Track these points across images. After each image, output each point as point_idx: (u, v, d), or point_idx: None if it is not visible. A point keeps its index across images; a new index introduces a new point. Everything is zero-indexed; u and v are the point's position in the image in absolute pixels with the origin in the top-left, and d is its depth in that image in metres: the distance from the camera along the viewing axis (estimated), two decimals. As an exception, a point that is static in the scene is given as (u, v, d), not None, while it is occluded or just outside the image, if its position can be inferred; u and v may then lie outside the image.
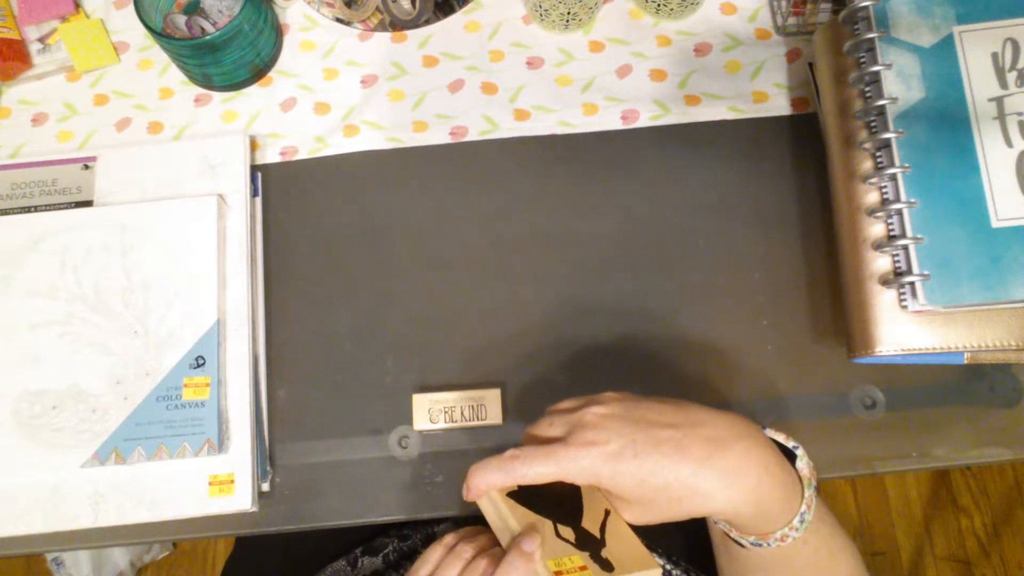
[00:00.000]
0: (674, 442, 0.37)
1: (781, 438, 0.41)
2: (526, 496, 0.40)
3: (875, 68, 0.48)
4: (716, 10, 0.61)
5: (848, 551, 0.43)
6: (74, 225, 0.54)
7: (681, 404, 0.40)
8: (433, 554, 0.42)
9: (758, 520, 0.39)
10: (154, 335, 0.52)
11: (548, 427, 0.40)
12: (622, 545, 0.39)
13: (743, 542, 0.40)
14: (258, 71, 0.60)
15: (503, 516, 0.38)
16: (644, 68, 0.60)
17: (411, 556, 0.54)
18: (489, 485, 0.39)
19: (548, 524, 0.39)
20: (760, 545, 0.40)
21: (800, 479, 0.40)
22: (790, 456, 0.41)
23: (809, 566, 0.41)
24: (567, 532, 0.39)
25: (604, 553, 0.38)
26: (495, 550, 0.39)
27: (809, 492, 0.40)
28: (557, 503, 0.40)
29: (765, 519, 0.39)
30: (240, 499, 0.50)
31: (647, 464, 0.37)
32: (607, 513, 0.40)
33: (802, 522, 0.39)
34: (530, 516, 0.39)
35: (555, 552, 0.37)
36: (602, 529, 0.40)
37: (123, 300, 0.53)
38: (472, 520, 0.45)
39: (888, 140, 0.47)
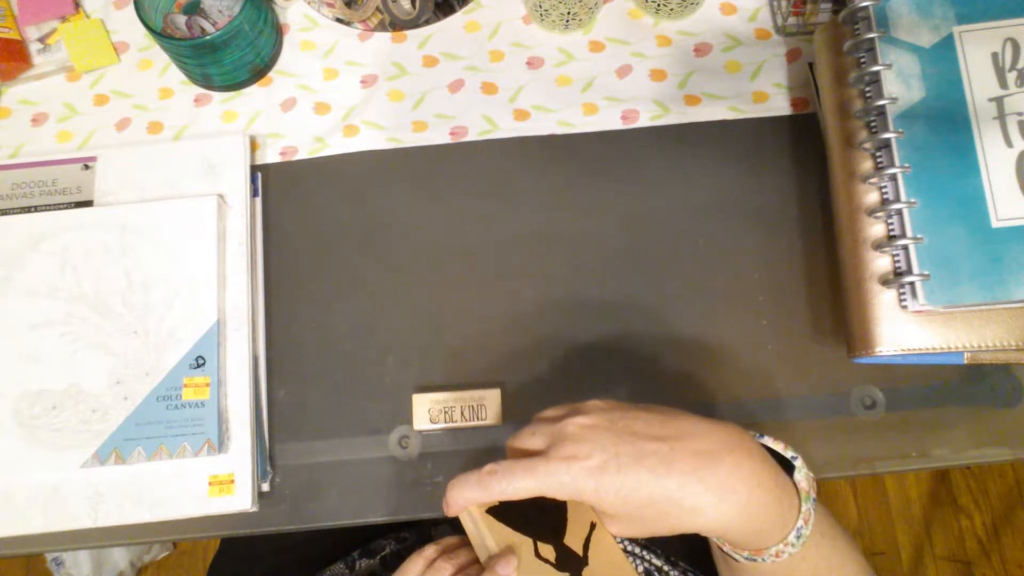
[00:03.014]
0: (660, 455, 0.35)
1: (779, 447, 0.40)
2: (508, 509, 0.38)
3: (875, 68, 0.48)
4: (716, 10, 0.61)
5: (852, 566, 0.41)
6: (74, 225, 0.54)
7: (669, 414, 0.38)
8: (413, 567, 0.41)
9: (751, 536, 0.37)
10: (154, 335, 0.52)
11: (530, 437, 0.38)
12: (605, 563, 0.38)
13: (736, 557, 0.39)
14: (258, 71, 0.60)
15: (482, 534, 0.37)
16: (644, 68, 0.60)
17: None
18: (468, 501, 0.37)
19: (528, 543, 0.37)
20: (755, 560, 0.38)
21: (798, 492, 0.38)
22: (789, 466, 0.39)
23: None
24: (547, 551, 0.37)
25: (586, 573, 0.37)
26: (474, 569, 0.38)
27: (807, 506, 0.38)
28: (540, 515, 0.39)
29: (759, 535, 0.37)
30: (240, 499, 0.50)
31: (631, 479, 0.35)
32: (592, 526, 0.39)
33: (799, 537, 0.37)
34: (509, 534, 0.37)
35: (533, 574, 0.36)
36: (586, 545, 0.38)
37: (123, 300, 0.53)
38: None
39: (888, 140, 0.47)
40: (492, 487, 0.36)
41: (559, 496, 0.36)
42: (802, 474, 0.39)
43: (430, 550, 0.41)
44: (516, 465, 0.37)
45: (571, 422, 0.37)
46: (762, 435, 0.40)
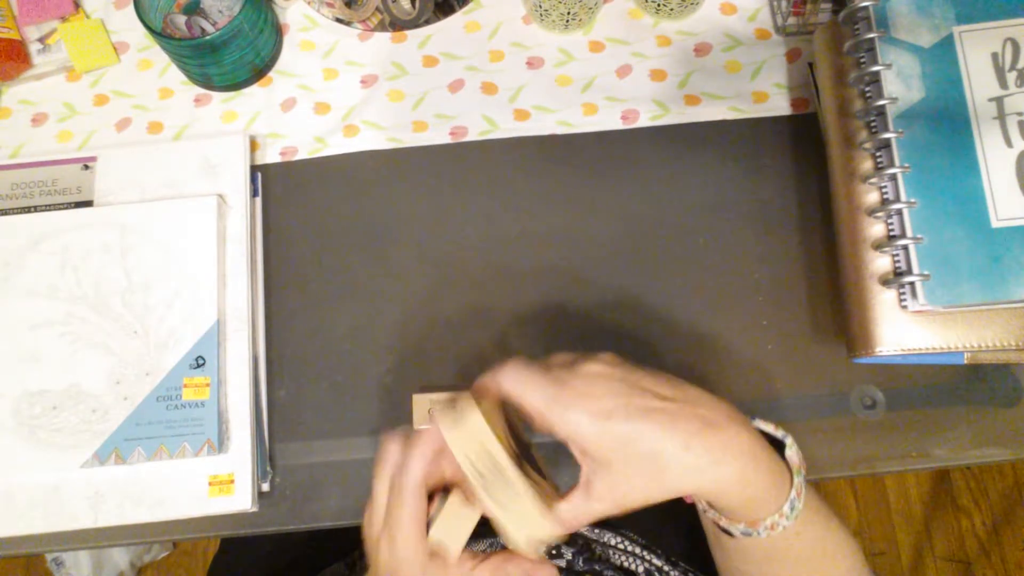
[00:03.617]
0: (668, 412, 0.36)
1: (770, 428, 0.41)
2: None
3: (875, 68, 0.48)
4: (716, 10, 0.61)
5: (846, 548, 0.42)
6: (74, 225, 0.54)
7: (676, 380, 0.39)
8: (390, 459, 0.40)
9: (746, 505, 0.38)
10: (154, 335, 0.52)
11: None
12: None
13: (732, 531, 0.40)
14: (258, 71, 0.60)
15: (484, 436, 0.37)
16: (644, 68, 0.60)
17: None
18: (482, 387, 0.38)
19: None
20: (750, 534, 0.39)
21: (789, 468, 0.39)
22: (780, 447, 0.40)
23: (804, 561, 0.41)
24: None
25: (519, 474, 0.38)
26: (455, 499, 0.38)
27: (799, 479, 0.39)
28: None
29: (753, 504, 0.38)
30: (240, 499, 0.50)
31: (637, 428, 0.35)
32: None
33: (792, 509, 0.38)
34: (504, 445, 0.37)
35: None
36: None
37: (123, 300, 0.53)
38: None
39: (888, 140, 0.47)
40: (504, 380, 0.37)
41: (556, 430, 0.37)
42: (793, 451, 0.40)
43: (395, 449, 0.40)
44: (538, 377, 0.37)
45: (587, 366, 0.38)
46: (754, 417, 0.41)
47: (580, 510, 0.37)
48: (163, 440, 0.50)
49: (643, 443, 0.36)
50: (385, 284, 0.56)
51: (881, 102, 0.47)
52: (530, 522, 0.36)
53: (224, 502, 0.50)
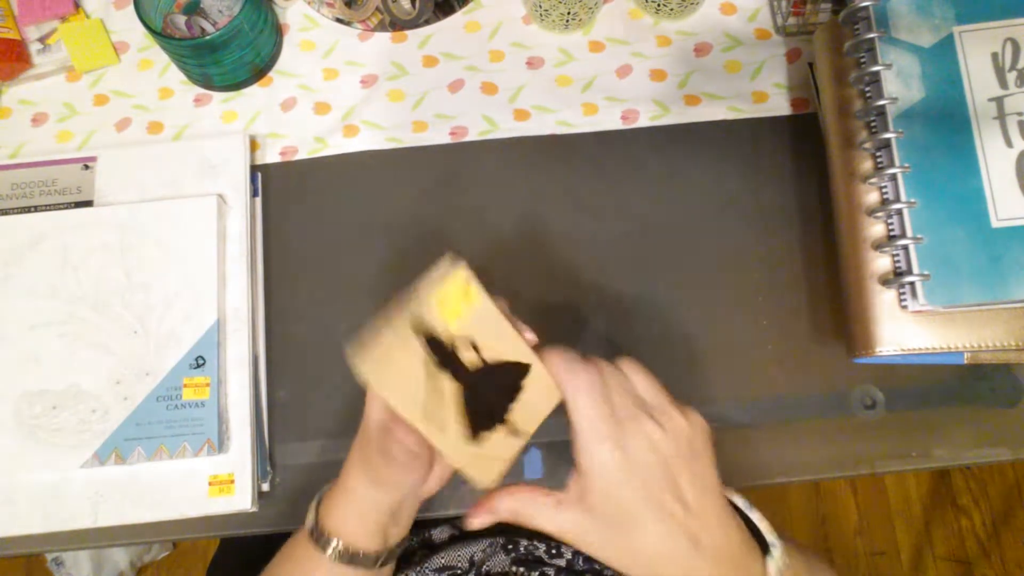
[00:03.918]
0: (673, 519, 0.36)
1: (765, 528, 0.39)
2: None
3: (875, 68, 0.48)
4: (716, 10, 0.61)
5: None
6: (74, 225, 0.54)
7: (710, 494, 0.38)
8: None
9: None
10: (154, 335, 0.52)
11: (617, 388, 0.38)
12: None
13: None
14: (258, 71, 0.60)
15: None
16: (644, 68, 0.60)
17: (409, 560, 0.53)
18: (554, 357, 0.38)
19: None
20: None
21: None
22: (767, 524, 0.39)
23: None
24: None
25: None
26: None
27: None
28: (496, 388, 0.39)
29: None
30: (240, 499, 0.50)
31: (632, 508, 0.36)
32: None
33: None
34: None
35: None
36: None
37: (123, 300, 0.53)
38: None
39: (888, 140, 0.47)
40: (555, 363, 0.38)
41: (577, 448, 0.36)
42: (774, 565, 0.38)
43: None
44: (596, 385, 0.37)
45: (646, 424, 0.37)
46: (751, 506, 0.40)
47: (537, 513, 0.37)
48: (163, 440, 0.50)
49: (636, 524, 0.36)
50: (385, 284, 0.56)
51: (881, 102, 0.47)
52: (381, 362, 0.36)
53: (224, 502, 0.50)
